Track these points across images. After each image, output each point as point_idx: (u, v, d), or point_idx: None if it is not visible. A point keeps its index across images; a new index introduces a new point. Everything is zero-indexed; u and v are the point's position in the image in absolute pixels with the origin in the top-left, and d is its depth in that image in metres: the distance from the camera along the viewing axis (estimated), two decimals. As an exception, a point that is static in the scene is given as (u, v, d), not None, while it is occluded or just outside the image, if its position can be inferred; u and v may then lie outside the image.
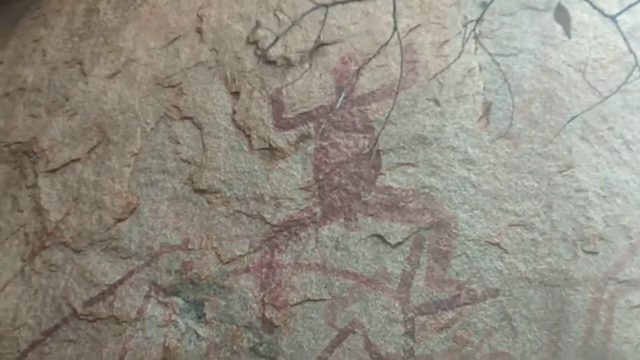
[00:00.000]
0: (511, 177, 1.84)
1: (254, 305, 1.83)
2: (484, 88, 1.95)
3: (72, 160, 2.16)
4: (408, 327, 1.73)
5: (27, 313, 1.95)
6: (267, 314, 1.81)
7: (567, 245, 1.75)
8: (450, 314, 1.73)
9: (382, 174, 1.90)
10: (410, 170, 1.89)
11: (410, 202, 1.85)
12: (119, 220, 2.02)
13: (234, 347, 1.79)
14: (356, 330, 1.74)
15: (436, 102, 1.95)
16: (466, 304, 1.73)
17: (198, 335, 1.82)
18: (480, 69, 1.97)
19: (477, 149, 1.88)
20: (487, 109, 1.91)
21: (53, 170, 2.16)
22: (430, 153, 1.89)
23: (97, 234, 2.02)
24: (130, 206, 2.03)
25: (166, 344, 1.82)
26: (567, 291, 1.71)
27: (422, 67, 2.00)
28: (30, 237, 2.08)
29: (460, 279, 1.75)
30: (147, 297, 1.90)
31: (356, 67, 2.03)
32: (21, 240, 2.09)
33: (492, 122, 1.90)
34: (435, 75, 1.94)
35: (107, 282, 1.95)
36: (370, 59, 1.94)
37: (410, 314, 1.74)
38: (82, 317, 1.91)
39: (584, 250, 1.74)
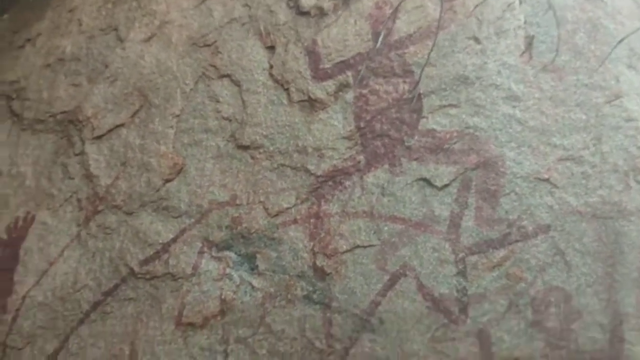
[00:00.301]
0: (557, 111, 1.80)
1: (305, 254, 1.86)
2: (525, 22, 1.89)
3: (117, 126, 2.20)
4: (460, 267, 1.73)
5: (86, 275, 2.02)
6: (318, 263, 1.83)
7: (619, 176, 1.72)
8: (501, 252, 1.72)
9: (424, 117, 1.88)
10: (453, 111, 1.86)
11: (454, 143, 1.83)
12: (167, 181, 2.06)
13: (288, 296, 1.82)
14: (407, 273, 1.75)
15: (476, 39, 1.91)
16: (517, 241, 1.72)
17: (253, 287, 1.86)
18: (520, 2, 1.92)
19: (521, 84, 1.84)
20: (530, 42, 1.86)
21: (99, 137, 2.20)
22: (473, 92, 1.86)
23: (147, 195, 2.06)
24: (177, 167, 2.06)
25: (222, 297, 1.86)
26: (621, 222, 1.68)
27: (460, 5, 1.95)
28: (82, 202, 2.14)
29: (510, 216, 1.74)
30: (201, 253, 1.94)
31: (391, 11, 1.99)
32: (74, 206, 2.15)
33: (535, 56, 1.85)
34: (473, 10, 1.89)
35: (160, 241, 1.99)
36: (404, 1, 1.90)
37: (461, 255, 1.74)
38: (139, 276, 1.96)
39: (636, 181, 1.71)
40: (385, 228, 1.81)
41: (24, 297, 2.04)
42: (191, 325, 1.87)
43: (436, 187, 1.80)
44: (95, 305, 1.98)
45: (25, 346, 1.97)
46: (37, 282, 2.06)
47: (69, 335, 1.96)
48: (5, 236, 2.17)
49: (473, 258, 1.73)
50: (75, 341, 1.94)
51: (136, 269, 1.99)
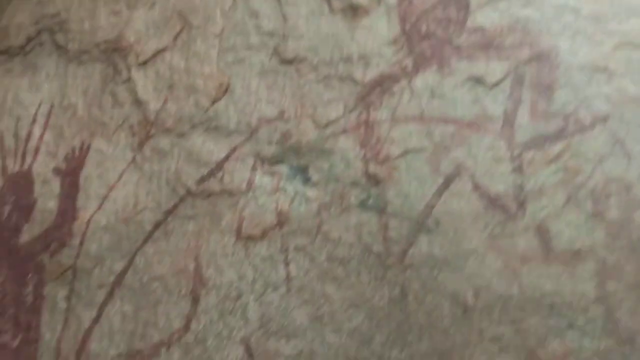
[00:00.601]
0: (613, -5, 1.72)
1: (357, 163, 1.87)
2: None
3: (160, 50, 2.20)
4: (515, 164, 1.71)
5: (146, 197, 2.08)
6: (370, 170, 1.84)
7: (680, 59, 1.64)
8: (558, 146, 1.69)
9: (472, 14, 1.82)
10: (502, 5, 1.80)
11: (505, 38, 1.77)
12: (215, 101, 2.07)
13: (343, 204, 1.85)
14: (462, 173, 1.74)
15: None
16: (574, 133, 1.68)
17: (307, 198, 1.89)
18: None
19: (572, -30, 1.75)
20: None
21: (144, 62, 2.21)
22: (522, -17, 1.78)
23: (196, 116, 2.08)
24: (223, 86, 2.07)
25: (278, 209, 1.90)
26: (682, 107, 1.63)
27: None
28: (134, 128, 2.18)
29: (566, 109, 1.69)
30: (254, 169, 1.98)
31: None
32: (127, 132, 2.19)
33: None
34: None
35: (214, 160, 2.03)
36: None
37: (517, 151, 1.71)
38: (196, 194, 2.01)
39: (697, 63, 1.64)
40: (437, 131, 1.79)
41: (88, 222, 2.13)
42: (251, 237, 1.92)
43: (488, 84, 1.77)
44: (157, 225, 2.05)
45: (94, 267, 2.07)
46: (99, 206, 2.13)
47: (135, 255, 2.04)
48: (64, 166, 2.24)
49: (529, 154, 1.70)
50: (142, 259, 2.02)
51: (193, 188, 2.04)
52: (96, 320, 2.00)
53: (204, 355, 1.85)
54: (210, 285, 1.91)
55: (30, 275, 2.13)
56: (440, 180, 1.76)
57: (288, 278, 1.84)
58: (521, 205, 1.68)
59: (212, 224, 1.98)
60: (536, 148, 1.70)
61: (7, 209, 2.26)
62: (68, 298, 2.07)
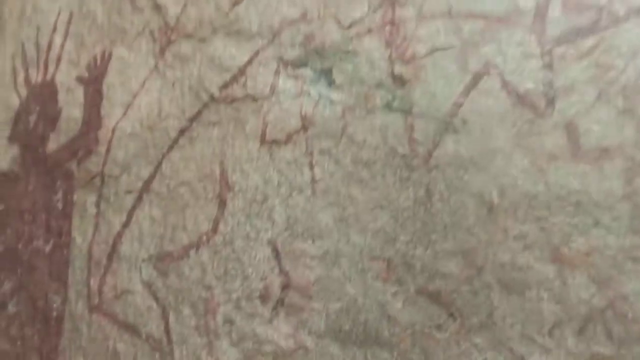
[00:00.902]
0: None
1: (382, 63, 1.83)
2: None
3: (177, -47, 2.14)
4: (546, 60, 1.67)
5: (169, 104, 2.08)
6: (396, 70, 1.80)
7: None
8: (591, 40, 1.64)
9: None
10: None
11: None
12: (235, 3, 2.03)
13: (368, 106, 1.83)
14: (491, 71, 1.70)
15: None
16: (608, 27, 1.62)
17: (331, 101, 1.87)
18: None
19: None
20: None
21: (161, -35, 2.16)
22: None
23: (217, 20, 2.05)
24: (243, -12, 2.02)
25: (303, 113, 1.89)
26: None
27: None
28: (155, 34, 2.15)
29: (601, 1, 1.62)
30: (277, 72, 1.95)
31: None
32: (148, 38, 2.17)
33: None
34: None
35: (236, 65, 2.01)
36: None
37: (548, 46, 1.66)
38: (220, 100, 2.01)
39: None
40: (466, 27, 1.74)
41: (113, 130, 2.15)
42: (275, 142, 1.92)
43: (519, -24, 1.69)
44: (182, 131, 2.06)
45: (121, 174, 2.11)
46: (124, 114, 2.14)
47: (161, 161, 2.06)
48: (86, 74, 2.24)
49: (560, 49, 1.65)
50: (168, 166, 2.05)
51: (216, 93, 2.03)
52: (126, 224, 2.05)
53: (232, 255, 1.89)
54: (236, 189, 1.93)
55: (59, 182, 2.18)
56: (468, 79, 1.72)
57: (313, 181, 1.85)
58: (550, 102, 1.65)
59: (236, 130, 1.98)
60: (568, 43, 1.64)
61: (33, 118, 2.28)
62: (97, 204, 2.11)
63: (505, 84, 1.70)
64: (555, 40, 1.66)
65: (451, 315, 1.64)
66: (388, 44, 1.83)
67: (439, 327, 1.65)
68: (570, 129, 1.64)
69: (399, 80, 1.80)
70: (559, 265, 1.58)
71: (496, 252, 1.64)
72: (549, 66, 1.66)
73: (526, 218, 1.63)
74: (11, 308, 2.17)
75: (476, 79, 1.72)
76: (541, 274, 1.58)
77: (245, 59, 2.00)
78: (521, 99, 1.68)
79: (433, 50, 1.78)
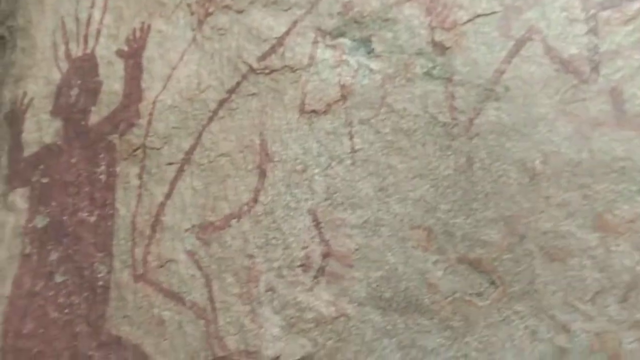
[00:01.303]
0: None
1: (422, 31, 1.82)
2: None
3: None
4: (590, 24, 1.64)
5: (208, 76, 2.10)
6: (436, 38, 1.79)
7: None
8: (636, 4, 1.61)
9: None
10: None
11: None
12: (272, -26, 2.02)
13: (408, 75, 1.82)
14: (534, 37, 1.68)
15: None
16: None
17: (371, 70, 1.87)
18: None
19: None
20: None
21: (197, -62, 2.16)
22: None
23: (254, -9, 2.04)
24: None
25: (342, 83, 1.89)
26: None
27: None
28: (193, 7, 2.17)
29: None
30: (315, 42, 1.95)
31: None
32: (186, 11, 2.18)
33: None
34: None
35: (274, 36, 2.02)
36: None
37: (593, 11, 1.64)
38: (258, 71, 2.02)
39: None
40: (508, -8, 1.72)
41: (154, 102, 2.17)
42: (314, 112, 1.93)
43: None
44: (222, 103, 2.08)
45: (163, 146, 2.14)
46: (164, 87, 2.17)
47: (201, 133, 2.09)
48: (126, 48, 2.26)
49: (605, 13, 1.62)
50: (208, 137, 2.07)
51: (254, 65, 2.04)
52: (168, 195, 2.09)
53: (273, 225, 1.92)
54: (276, 160, 1.95)
55: (102, 155, 2.22)
56: (511, 45, 1.70)
57: (353, 151, 1.86)
58: (595, 68, 1.62)
59: (275, 101, 1.99)
60: (612, 7, 1.62)
61: (74, 92, 2.32)
62: (140, 175, 2.15)
63: (548, 50, 1.67)
64: (600, 4, 1.64)
65: (492, 283, 1.65)
66: (428, 11, 1.82)
67: (479, 295, 1.66)
68: (615, 95, 1.62)
69: (440, 48, 1.79)
70: (602, 232, 1.57)
71: (538, 220, 1.64)
72: (593, 31, 1.64)
73: (569, 185, 1.62)
74: (59, 277, 2.23)
75: (519, 45, 1.71)
76: (584, 241, 1.57)
77: (283, 29, 2.01)
78: (565, 65, 1.66)
79: (474, 17, 1.76)
